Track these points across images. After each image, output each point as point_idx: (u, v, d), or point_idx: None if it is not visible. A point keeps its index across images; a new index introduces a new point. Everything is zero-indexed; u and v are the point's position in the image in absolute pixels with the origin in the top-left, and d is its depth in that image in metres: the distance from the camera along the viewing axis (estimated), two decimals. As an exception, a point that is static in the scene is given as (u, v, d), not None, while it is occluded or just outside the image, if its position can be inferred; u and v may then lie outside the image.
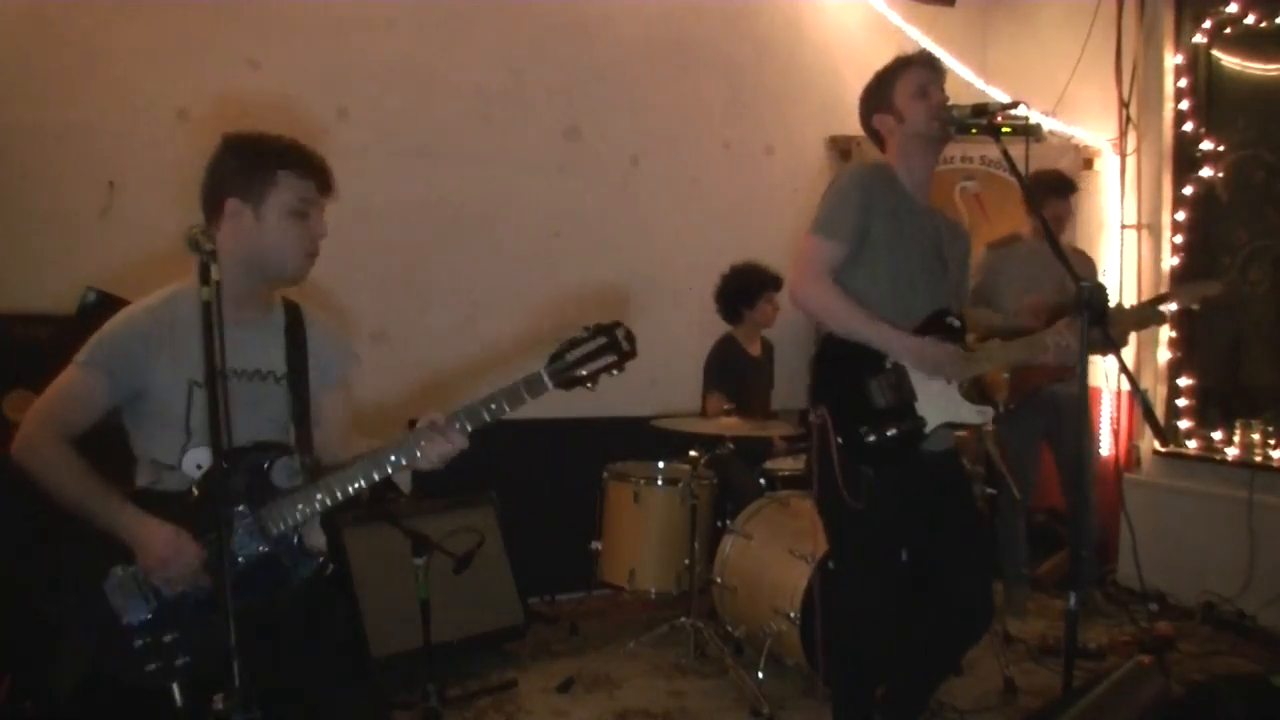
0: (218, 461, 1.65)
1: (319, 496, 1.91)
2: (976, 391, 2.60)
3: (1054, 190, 4.20)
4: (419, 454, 1.90)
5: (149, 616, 1.86)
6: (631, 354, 1.99)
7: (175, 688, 1.83)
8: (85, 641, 1.88)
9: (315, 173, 1.99)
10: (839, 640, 2.73)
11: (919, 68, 2.61)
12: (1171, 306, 4.53)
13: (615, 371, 1.98)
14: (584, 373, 1.95)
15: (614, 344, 1.97)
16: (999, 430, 4.23)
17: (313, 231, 2.00)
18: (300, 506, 1.92)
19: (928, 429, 2.48)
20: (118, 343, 1.93)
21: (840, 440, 2.47)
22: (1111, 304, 2.53)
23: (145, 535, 1.83)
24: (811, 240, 2.51)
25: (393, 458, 1.91)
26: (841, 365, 2.53)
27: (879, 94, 2.65)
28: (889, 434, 2.47)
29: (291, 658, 1.97)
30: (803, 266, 2.51)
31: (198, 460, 1.93)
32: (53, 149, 3.80)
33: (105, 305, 3.06)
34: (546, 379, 1.94)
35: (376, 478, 1.92)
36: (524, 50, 4.73)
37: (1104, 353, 2.47)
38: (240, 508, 1.88)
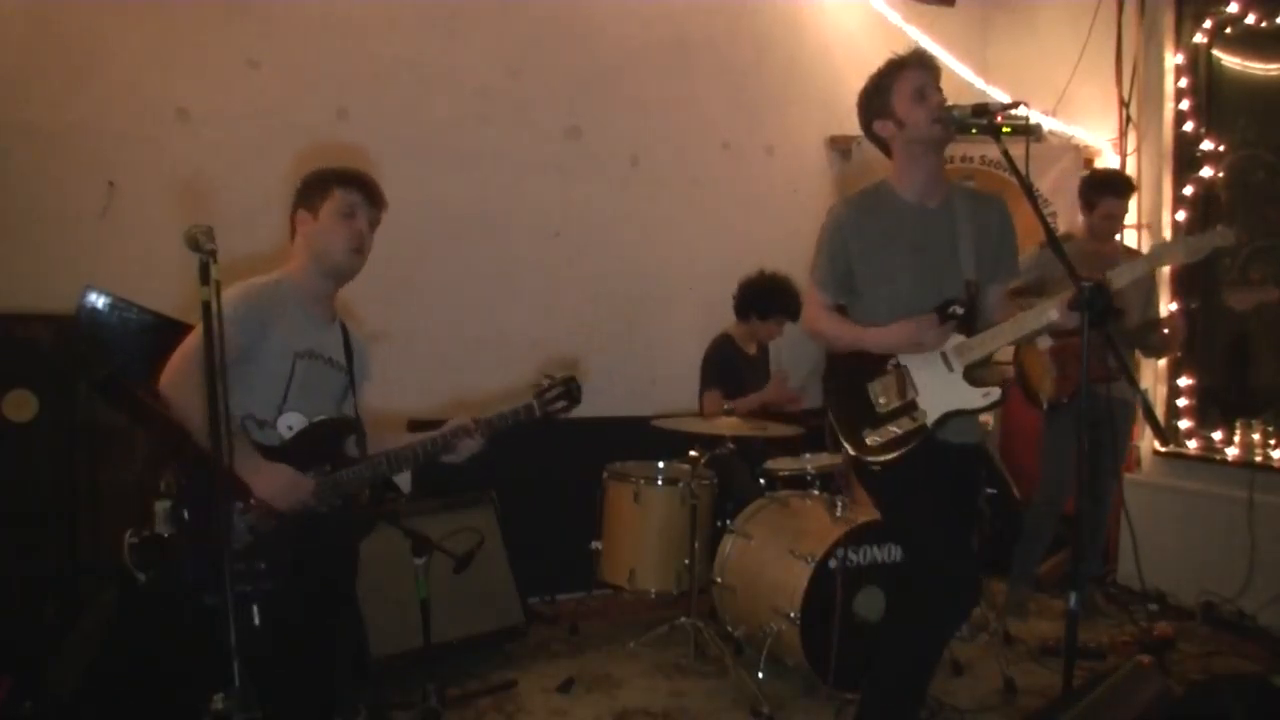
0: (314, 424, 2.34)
1: (380, 467, 2.43)
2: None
3: (1109, 189, 4.11)
4: (450, 445, 2.48)
5: (242, 547, 2.20)
6: (577, 401, 2.68)
7: (255, 608, 2.16)
8: (197, 561, 2.15)
9: (360, 186, 2.45)
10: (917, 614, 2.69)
11: (914, 70, 2.59)
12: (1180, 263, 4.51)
13: (565, 415, 2.68)
14: (553, 408, 2.65)
15: (569, 392, 2.67)
16: (1041, 427, 4.22)
17: (356, 228, 2.43)
18: (367, 473, 2.41)
19: (929, 421, 2.56)
20: (245, 307, 2.28)
21: (847, 444, 2.67)
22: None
23: (268, 471, 2.23)
24: (809, 284, 2.83)
25: (429, 445, 2.47)
26: (843, 376, 2.72)
27: (877, 99, 2.63)
28: (892, 433, 2.58)
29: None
30: (806, 306, 2.92)
31: (290, 423, 2.35)
32: (53, 149, 3.80)
33: (111, 309, 3.05)
34: (537, 409, 2.62)
35: (420, 458, 2.47)
36: (524, 50, 4.72)
37: (1114, 353, 2.49)
38: (326, 467, 2.36)
